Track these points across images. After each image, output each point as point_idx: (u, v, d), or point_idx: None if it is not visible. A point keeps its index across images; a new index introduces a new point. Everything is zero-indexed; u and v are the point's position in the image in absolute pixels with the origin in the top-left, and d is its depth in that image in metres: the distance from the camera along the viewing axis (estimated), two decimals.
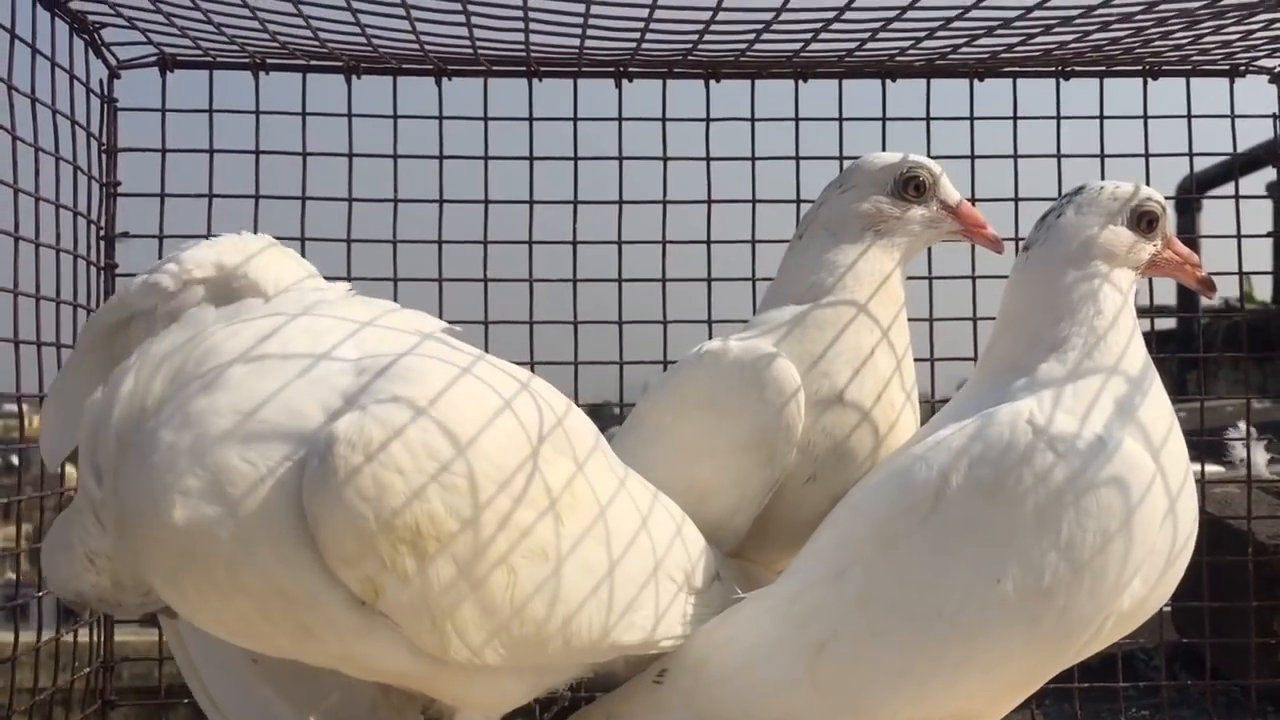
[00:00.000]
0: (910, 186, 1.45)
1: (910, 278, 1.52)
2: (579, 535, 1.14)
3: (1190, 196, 2.73)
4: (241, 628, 1.08)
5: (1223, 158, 2.04)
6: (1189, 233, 2.17)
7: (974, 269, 1.90)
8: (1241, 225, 1.89)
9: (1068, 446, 1.17)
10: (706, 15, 1.48)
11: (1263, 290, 5.53)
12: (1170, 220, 1.36)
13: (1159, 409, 1.25)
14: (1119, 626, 1.22)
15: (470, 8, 1.46)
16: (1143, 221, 1.32)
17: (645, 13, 1.47)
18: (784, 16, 1.48)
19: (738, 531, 1.41)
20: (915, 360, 1.49)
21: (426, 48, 1.72)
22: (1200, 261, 1.40)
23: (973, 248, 1.88)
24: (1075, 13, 1.45)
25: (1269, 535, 1.94)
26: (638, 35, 1.60)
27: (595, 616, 1.15)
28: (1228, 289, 1.90)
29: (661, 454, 1.43)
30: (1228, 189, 1.94)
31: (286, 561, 1.01)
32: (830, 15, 1.48)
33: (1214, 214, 1.95)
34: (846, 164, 1.85)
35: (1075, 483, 1.15)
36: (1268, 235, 1.88)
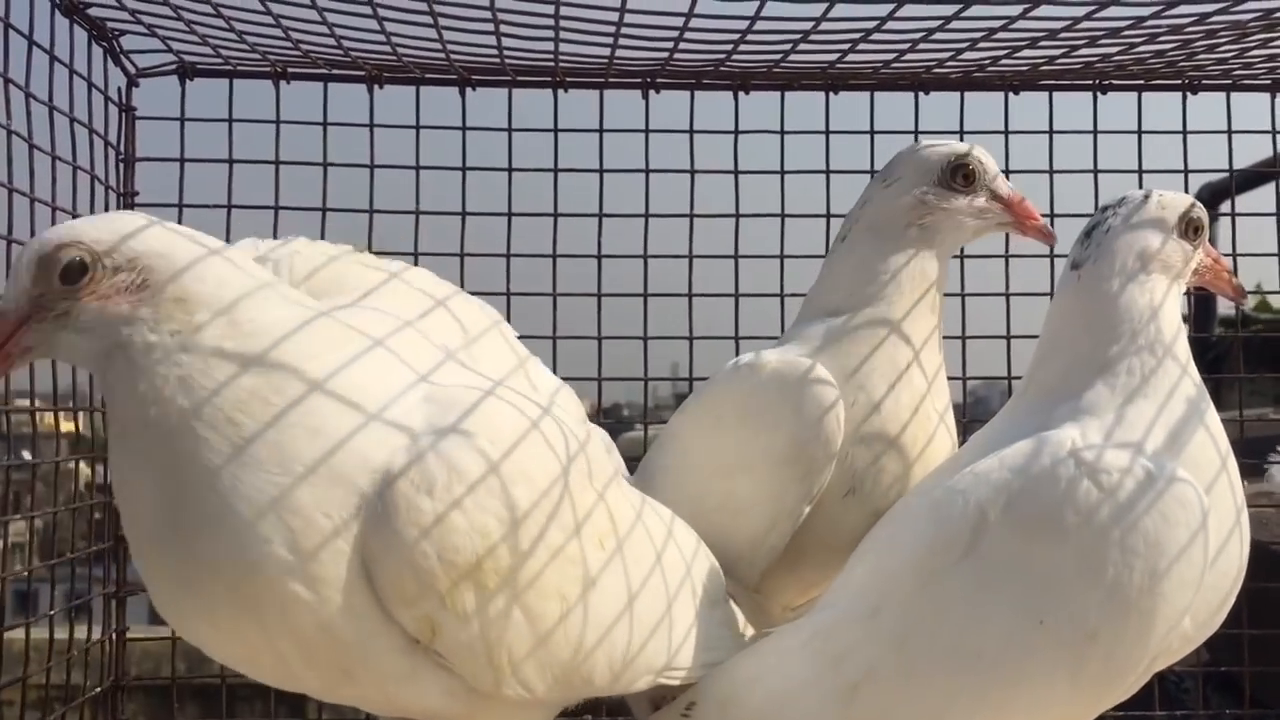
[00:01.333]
0: (959, 175, 1.40)
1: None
2: (630, 569, 1.13)
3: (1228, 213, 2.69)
4: (272, 666, 1.04)
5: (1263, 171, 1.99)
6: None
7: (1008, 286, 1.86)
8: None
9: (1114, 481, 1.10)
10: (743, 24, 1.44)
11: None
12: (1209, 231, 1.32)
13: (1213, 439, 1.19)
14: (1163, 660, 1.17)
15: (500, 16, 1.42)
16: (1190, 230, 1.28)
17: (680, 21, 1.44)
18: (822, 27, 1.44)
19: (774, 549, 1.38)
20: (949, 378, 1.46)
21: (452, 57, 1.68)
22: (1234, 271, 1.37)
23: (1006, 264, 1.86)
24: (1124, 24, 1.41)
25: None
26: (670, 45, 1.56)
27: (638, 644, 1.14)
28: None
29: (695, 469, 1.40)
30: (1248, 203, 1.91)
31: (347, 606, 0.98)
32: (870, 26, 1.44)
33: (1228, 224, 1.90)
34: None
35: (1122, 520, 1.09)
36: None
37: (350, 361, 1.03)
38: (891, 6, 1.34)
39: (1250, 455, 1.86)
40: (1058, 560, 1.09)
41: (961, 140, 1.82)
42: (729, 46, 1.56)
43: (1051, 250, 1.79)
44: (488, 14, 1.41)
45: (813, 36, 1.50)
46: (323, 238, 1.78)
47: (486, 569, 1.01)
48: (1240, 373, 1.94)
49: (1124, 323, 1.23)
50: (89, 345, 0.99)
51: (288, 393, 0.98)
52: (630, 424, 2.28)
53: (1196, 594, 1.11)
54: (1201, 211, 1.29)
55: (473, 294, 1.77)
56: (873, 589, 1.19)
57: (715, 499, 1.37)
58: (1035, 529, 1.11)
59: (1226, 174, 1.90)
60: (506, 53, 1.64)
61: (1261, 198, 1.95)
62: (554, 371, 1.79)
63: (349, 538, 0.97)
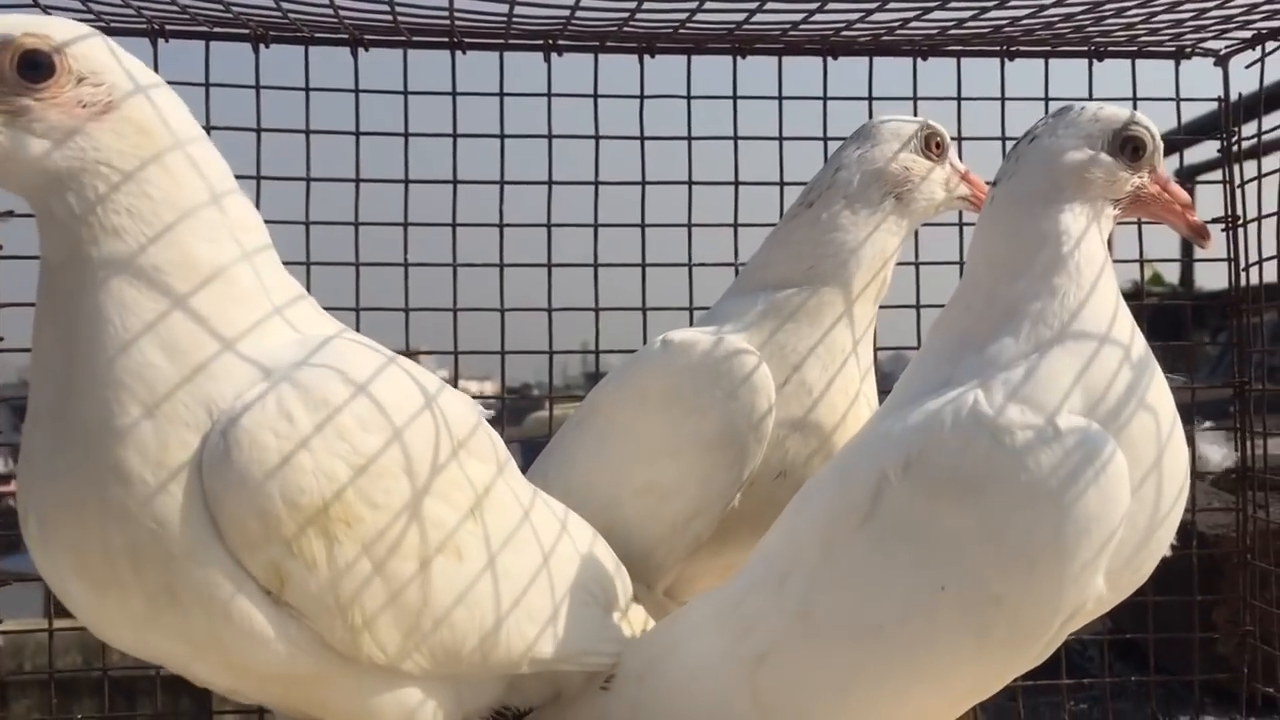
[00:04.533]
0: (933, 144, 1.42)
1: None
2: (495, 539, 1.08)
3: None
4: (150, 640, 0.99)
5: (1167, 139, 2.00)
6: None
7: (917, 255, 1.83)
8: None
9: (1015, 440, 1.03)
10: None
11: (1171, 275, 5.59)
12: (1161, 155, 1.18)
13: (1138, 388, 1.09)
14: (1078, 621, 1.10)
15: None
16: (1127, 148, 1.14)
17: None
18: None
19: (700, 534, 1.33)
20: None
21: (343, 16, 1.60)
22: (1192, 205, 1.21)
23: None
24: None
25: (1208, 526, 1.92)
26: (572, 3, 1.49)
27: (511, 625, 1.10)
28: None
29: (618, 450, 1.36)
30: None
31: (191, 553, 0.93)
32: None
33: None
34: (790, 145, 1.81)
35: (1024, 480, 1.02)
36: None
37: (240, 297, 0.99)
38: None
39: None
40: (958, 523, 1.04)
41: (870, 107, 1.81)
42: (633, 5, 1.51)
43: (961, 216, 1.77)
44: None
45: None
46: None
47: (334, 516, 0.96)
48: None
49: (1033, 252, 1.11)
50: (44, 156, 0.92)
51: (165, 302, 0.95)
52: (540, 403, 2.25)
53: (1108, 554, 1.04)
54: (1144, 130, 1.16)
55: (368, 264, 1.72)
56: (781, 557, 1.15)
57: (638, 483, 1.33)
58: (935, 491, 1.05)
59: None
60: (400, 12, 1.56)
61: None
62: (455, 346, 1.75)
63: (193, 477, 0.93)
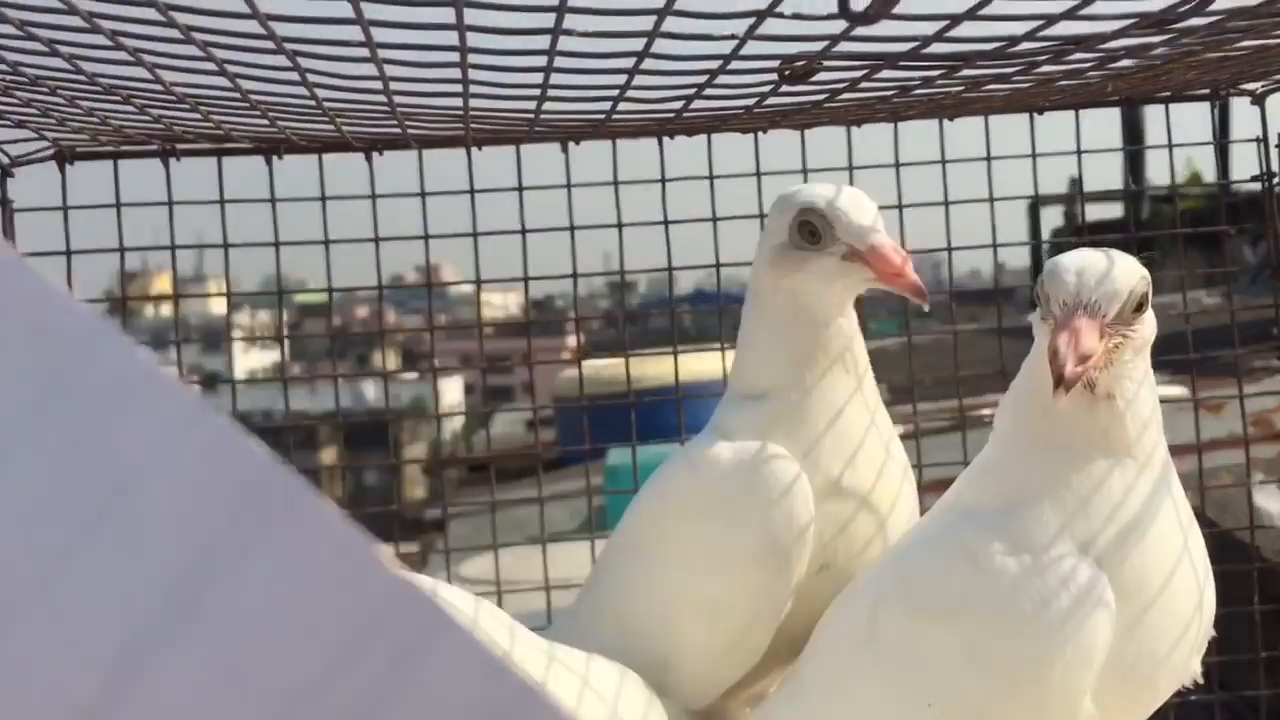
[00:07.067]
0: (805, 231, 1.23)
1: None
2: None
3: None
4: None
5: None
6: None
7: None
8: None
9: (994, 565, 1.08)
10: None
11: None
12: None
13: (1138, 526, 1.09)
14: None
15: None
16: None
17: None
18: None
19: (759, 645, 1.28)
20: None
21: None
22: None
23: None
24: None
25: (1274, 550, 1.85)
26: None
27: None
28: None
29: (664, 572, 1.30)
30: None
31: None
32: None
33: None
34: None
35: (1001, 605, 1.07)
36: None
37: None
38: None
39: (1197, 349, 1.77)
40: (945, 644, 1.10)
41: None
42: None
43: None
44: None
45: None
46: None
47: None
48: (1170, 252, 1.86)
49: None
50: None
51: None
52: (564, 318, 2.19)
53: (1091, 679, 1.05)
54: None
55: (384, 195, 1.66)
56: (800, 671, 1.23)
57: (689, 602, 1.28)
58: (923, 614, 1.13)
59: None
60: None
61: None
62: (478, 274, 1.72)
63: None
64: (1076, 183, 2.20)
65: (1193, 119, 1.77)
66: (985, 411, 2.71)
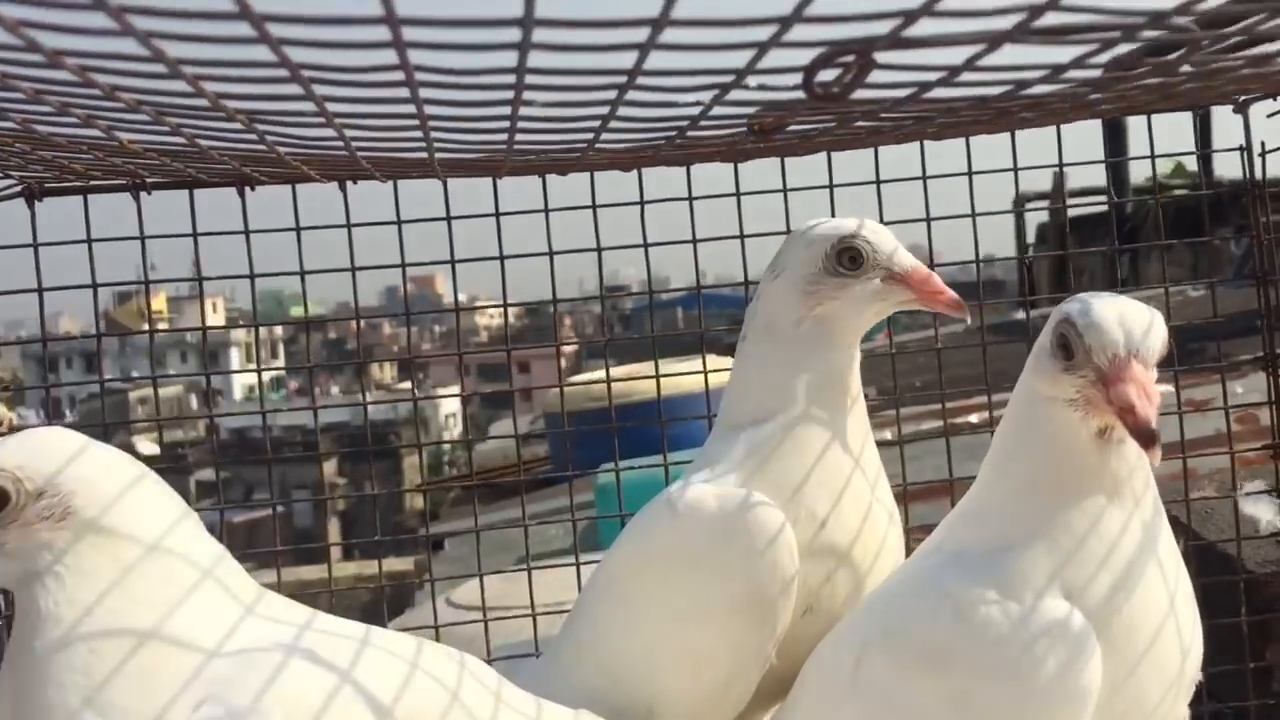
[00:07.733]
0: (845, 258, 1.27)
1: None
2: None
3: None
4: None
5: None
6: None
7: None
8: None
9: (978, 614, 1.07)
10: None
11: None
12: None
13: (1129, 577, 1.08)
14: None
15: None
16: None
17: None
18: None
19: (742, 697, 1.27)
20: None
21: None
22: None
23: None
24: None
25: (1258, 563, 1.84)
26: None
27: None
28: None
29: (647, 619, 1.28)
30: None
31: None
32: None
33: None
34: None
35: (987, 655, 1.07)
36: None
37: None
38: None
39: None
40: (927, 692, 1.10)
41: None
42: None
43: None
44: None
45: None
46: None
47: None
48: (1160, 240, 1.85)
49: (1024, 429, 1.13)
50: (10, 569, 0.98)
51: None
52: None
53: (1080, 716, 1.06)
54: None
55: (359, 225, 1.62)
56: (787, 716, 1.23)
57: (672, 652, 1.26)
58: (907, 663, 1.12)
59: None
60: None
61: None
62: (456, 301, 1.66)
63: None
64: (1059, 177, 2.18)
65: (1176, 115, 1.75)
66: (973, 418, 2.73)
